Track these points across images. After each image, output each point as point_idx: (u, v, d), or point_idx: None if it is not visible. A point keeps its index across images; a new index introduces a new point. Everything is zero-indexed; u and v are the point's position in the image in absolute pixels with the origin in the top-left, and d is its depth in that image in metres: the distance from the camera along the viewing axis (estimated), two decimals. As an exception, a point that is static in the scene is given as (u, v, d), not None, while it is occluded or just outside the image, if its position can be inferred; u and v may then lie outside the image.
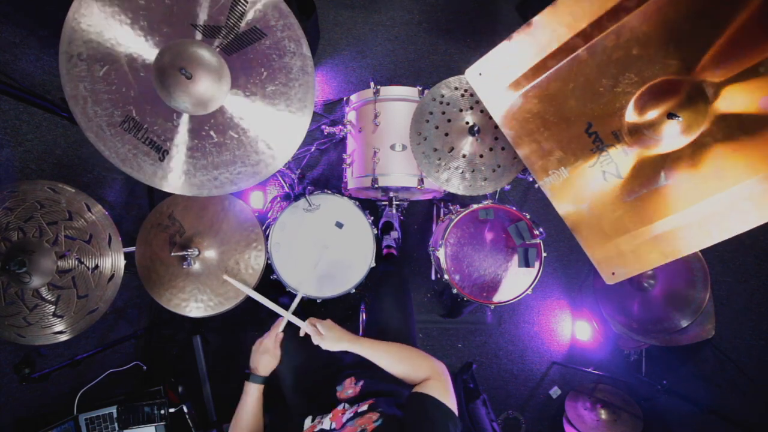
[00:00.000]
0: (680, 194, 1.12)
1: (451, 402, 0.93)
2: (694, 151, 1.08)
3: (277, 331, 1.26)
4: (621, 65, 1.09)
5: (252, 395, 1.18)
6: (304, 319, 1.22)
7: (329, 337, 1.16)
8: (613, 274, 1.23)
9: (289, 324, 1.26)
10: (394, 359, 1.09)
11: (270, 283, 1.57)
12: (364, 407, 0.97)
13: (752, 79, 0.99)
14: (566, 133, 1.18)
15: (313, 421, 1.07)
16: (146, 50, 1.08)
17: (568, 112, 1.16)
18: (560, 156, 1.20)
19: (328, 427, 1.00)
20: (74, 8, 1.02)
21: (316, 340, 1.18)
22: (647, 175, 1.14)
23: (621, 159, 1.15)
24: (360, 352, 1.13)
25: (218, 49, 1.09)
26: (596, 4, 1.06)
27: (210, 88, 1.09)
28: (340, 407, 1.05)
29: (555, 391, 2.36)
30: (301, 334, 1.22)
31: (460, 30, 2.40)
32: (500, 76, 1.20)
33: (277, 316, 1.28)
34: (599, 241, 1.22)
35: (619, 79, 1.10)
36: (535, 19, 1.11)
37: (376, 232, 1.60)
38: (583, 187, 1.20)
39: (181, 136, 1.13)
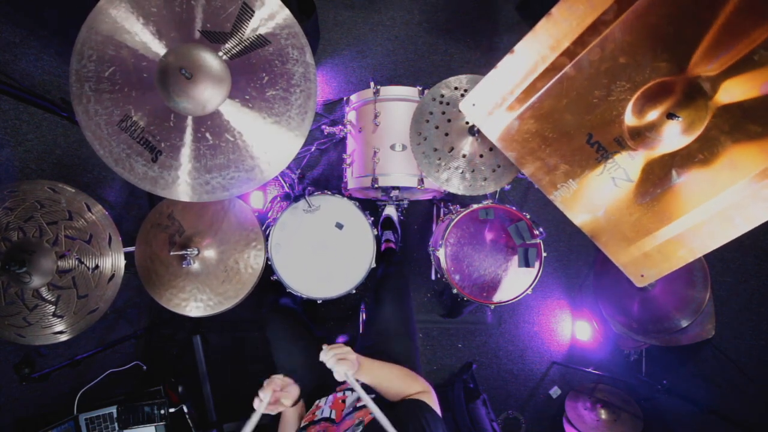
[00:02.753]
0: (696, 190, 1.11)
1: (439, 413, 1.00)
2: (703, 145, 1.07)
3: (272, 387, 1.02)
4: (611, 75, 1.10)
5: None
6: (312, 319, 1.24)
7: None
8: (642, 276, 1.21)
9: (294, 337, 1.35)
10: (390, 379, 1.09)
11: (270, 283, 1.57)
12: (362, 403, 1.00)
13: (749, 68, 0.99)
14: (568, 146, 1.18)
15: (313, 405, 1.09)
16: (152, 53, 1.09)
17: (566, 126, 1.17)
18: (566, 169, 1.20)
19: (328, 415, 1.03)
20: (94, 13, 1.05)
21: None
22: (659, 175, 1.13)
23: (628, 163, 1.15)
24: (362, 379, 1.09)
25: (224, 56, 1.10)
26: (575, 22, 1.07)
27: (209, 89, 1.10)
28: (339, 393, 1.08)
29: (555, 391, 2.36)
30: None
31: (460, 30, 2.40)
32: (493, 103, 1.21)
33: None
34: (622, 245, 1.21)
35: (612, 88, 1.10)
36: (518, 46, 1.13)
37: (376, 232, 1.60)
38: (595, 196, 1.20)
39: (177, 137, 1.13)
